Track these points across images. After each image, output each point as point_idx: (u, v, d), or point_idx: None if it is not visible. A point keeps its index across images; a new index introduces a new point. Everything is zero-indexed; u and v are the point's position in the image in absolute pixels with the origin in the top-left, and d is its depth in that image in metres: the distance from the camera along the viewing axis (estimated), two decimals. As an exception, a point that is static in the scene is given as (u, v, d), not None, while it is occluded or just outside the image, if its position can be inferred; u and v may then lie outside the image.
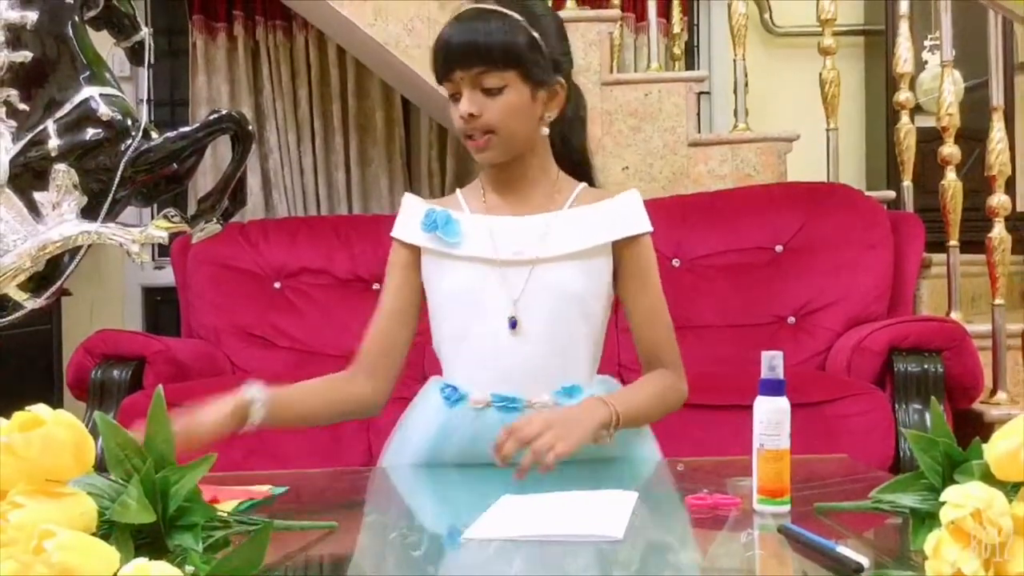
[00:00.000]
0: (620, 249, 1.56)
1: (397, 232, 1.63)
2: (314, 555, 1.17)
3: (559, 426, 1.36)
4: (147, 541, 0.91)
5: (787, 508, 1.19)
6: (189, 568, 0.90)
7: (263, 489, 1.34)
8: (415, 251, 1.60)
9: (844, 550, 0.99)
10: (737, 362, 2.81)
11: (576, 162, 1.64)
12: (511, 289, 1.54)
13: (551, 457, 1.33)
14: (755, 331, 2.99)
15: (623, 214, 1.57)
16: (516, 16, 1.51)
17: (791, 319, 3.05)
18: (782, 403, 1.21)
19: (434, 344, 1.63)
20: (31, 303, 1.72)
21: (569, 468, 1.37)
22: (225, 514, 1.06)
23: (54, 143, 1.77)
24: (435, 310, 1.61)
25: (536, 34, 1.51)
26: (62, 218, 1.71)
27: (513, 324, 1.53)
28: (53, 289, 1.76)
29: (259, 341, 3.25)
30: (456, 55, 1.49)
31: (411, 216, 1.62)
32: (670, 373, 1.57)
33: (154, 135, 1.84)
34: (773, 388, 1.21)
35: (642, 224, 1.57)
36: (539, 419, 1.38)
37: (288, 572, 1.09)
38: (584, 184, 1.63)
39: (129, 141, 1.78)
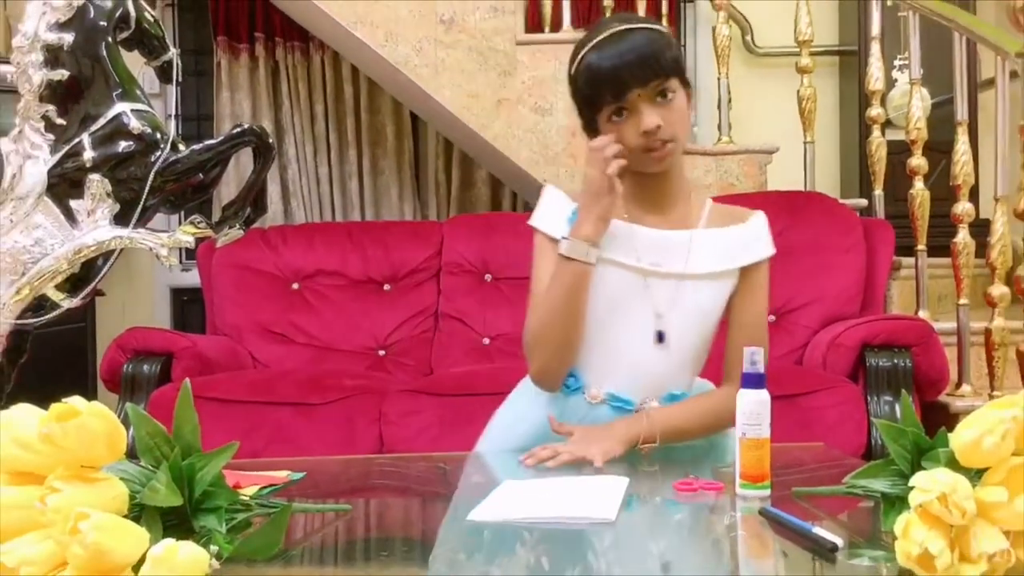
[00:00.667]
0: (745, 270, 1.54)
1: (541, 224, 1.54)
2: (329, 536, 1.17)
3: (589, 438, 1.43)
4: (174, 523, 0.92)
5: (767, 492, 1.19)
6: (213, 548, 0.90)
7: (282, 475, 1.34)
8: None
9: (820, 531, 0.99)
10: (721, 358, 2.81)
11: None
12: (656, 302, 1.50)
13: (553, 463, 1.39)
14: (738, 329, 2.98)
15: (754, 239, 1.55)
16: (656, 26, 1.48)
17: (771, 317, 3.05)
18: (763, 395, 1.21)
19: None
20: (67, 303, 1.71)
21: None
22: (247, 498, 1.06)
23: (89, 155, 1.76)
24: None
25: (674, 40, 1.50)
26: (96, 224, 1.71)
27: (661, 337, 1.50)
28: (88, 290, 1.75)
29: (278, 338, 3.25)
30: (630, 73, 1.42)
31: (557, 210, 1.54)
32: (729, 389, 1.48)
33: (181, 147, 1.84)
34: (755, 381, 1.22)
35: (767, 249, 1.55)
36: (570, 442, 1.43)
37: (305, 552, 1.09)
38: (711, 201, 1.59)
39: (158, 153, 1.78)
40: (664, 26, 1.52)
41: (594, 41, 1.45)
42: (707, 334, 1.54)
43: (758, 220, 1.57)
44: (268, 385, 2.84)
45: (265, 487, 1.25)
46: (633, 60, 1.42)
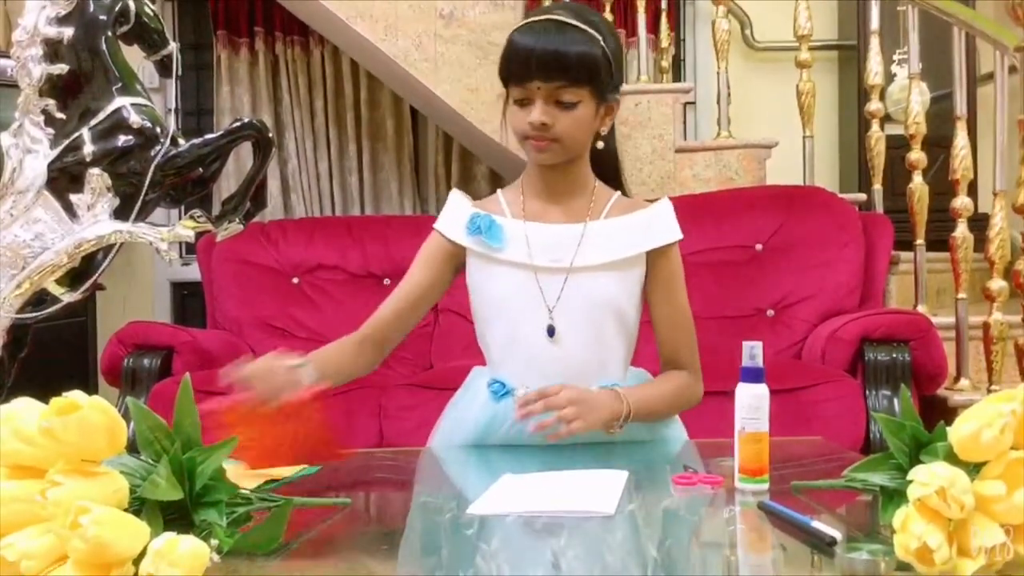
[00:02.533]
0: (652, 257, 1.54)
1: (442, 226, 1.59)
2: (329, 530, 1.17)
3: (582, 405, 1.41)
4: (175, 517, 0.91)
5: (766, 486, 1.19)
6: (214, 542, 0.90)
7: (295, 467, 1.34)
8: (456, 249, 1.57)
9: (819, 525, 0.99)
10: (720, 351, 2.81)
11: (612, 168, 1.60)
12: (548, 296, 1.52)
13: (566, 431, 1.39)
14: (737, 323, 2.99)
15: (656, 224, 1.54)
16: (595, 33, 1.44)
17: (770, 312, 3.05)
18: (761, 389, 1.21)
19: (479, 338, 1.61)
20: (68, 297, 1.71)
21: (606, 447, 1.44)
22: (247, 492, 1.06)
23: (88, 149, 1.76)
24: (481, 311, 1.59)
25: (609, 52, 1.46)
26: (96, 219, 1.71)
27: (551, 332, 1.51)
28: (88, 284, 1.75)
29: (279, 332, 3.25)
30: (538, 66, 1.43)
31: (457, 215, 1.58)
32: (687, 375, 1.56)
33: (181, 142, 1.84)
34: (753, 375, 1.21)
35: (673, 233, 1.54)
36: (567, 393, 1.41)
37: (306, 545, 1.09)
38: (618, 194, 1.59)
39: (158, 147, 1.78)
40: (608, 35, 1.47)
41: (529, 20, 1.48)
42: (608, 322, 1.53)
43: (662, 205, 1.57)
44: (268, 379, 2.83)
45: (267, 482, 1.24)
46: (545, 54, 1.42)
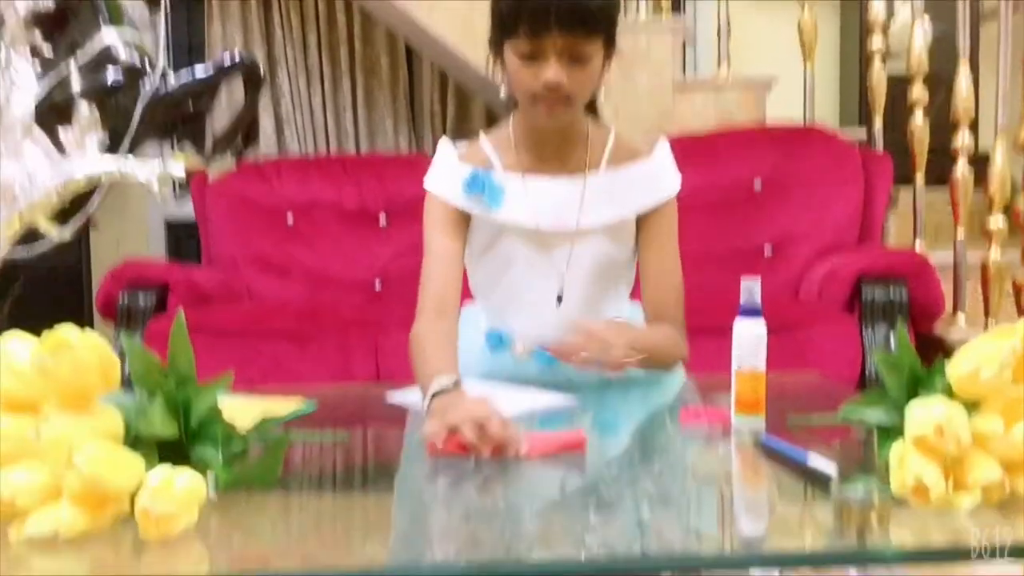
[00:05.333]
0: (648, 212, 1.50)
1: (435, 188, 1.50)
2: (327, 465, 1.17)
3: (603, 347, 1.33)
4: (170, 456, 0.91)
5: (762, 422, 1.20)
6: (210, 477, 0.90)
7: (292, 402, 1.35)
8: (458, 211, 1.48)
9: (815, 460, 0.99)
10: (718, 290, 2.80)
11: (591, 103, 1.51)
12: (556, 263, 1.48)
13: (623, 365, 1.33)
14: (735, 261, 2.98)
15: (656, 176, 1.48)
16: None
17: (768, 250, 3.04)
18: (759, 327, 1.21)
19: (471, 282, 1.57)
20: (58, 234, 1.70)
21: (607, 385, 1.42)
22: (243, 430, 1.06)
23: (76, 85, 1.73)
24: (480, 271, 1.54)
25: (618, 4, 1.39)
26: (85, 155, 1.68)
27: (560, 299, 1.49)
28: (79, 222, 1.74)
29: (275, 270, 3.24)
30: (558, 18, 1.29)
31: (450, 174, 1.49)
32: (675, 330, 1.50)
33: (171, 77, 1.81)
34: (751, 313, 1.21)
35: (672, 185, 1.49)
36: (612, 328, 1.36)
37: (303, 480, 1.10)
38: (613, 135, 1.50)
39: (147, 83, 1.75)
40: None
41: None
42: (611, 280, 1.52)
43: (661, 151, 1.51)
44: (264, 317, 2.85)
45: (265, 419, 1.24)
46: (564, 4, 1.29)
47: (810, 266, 2.91)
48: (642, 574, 0.81)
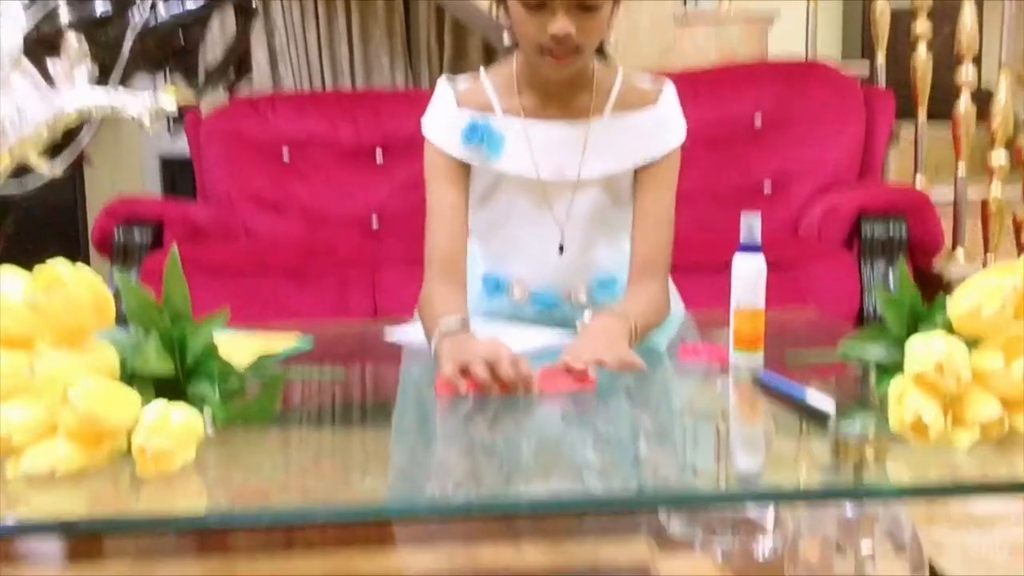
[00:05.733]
0: (649, 163, 1.43)
1: (433, 136, 1.44)
2: (324, 402, 1.17)
3: (609, 348, 1.19)
4: (167, 394, 0.90)
5: (760, 358, 1.19)
6: (207, 413, 0.90)
7: (289, 337, 1.34)
8: (458, 160, 1.43)
9: (813, 397, 0.99)
10: (718, 226, 2.79)
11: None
12: (557, 214, 1.45)
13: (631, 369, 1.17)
14: (734, 198, 2.96)
15: (663, 125, 1.43)
16: None
17: (768, 187, 3.02)
18: (759, 263, 1.20)
19: (471, 225, 1.51)
20: (49, 170, 1.68)
21: None
22: (240, 367, 1.05)
23: (65, 16, 1.69)
24: (480, 218, 1.50)
25: None
26: (75, 88, 1.65)
27: (561, 249, 1.46)
28: (71, 157, 1.71)
29: (271, 207, 3.21)
30: None
31: (448, 122, 1.43)
32: (658, 289, 1.42)
33: (160, 8, 1.77)
34: (751, 249, 1.20)
35: (676, 137, 1.43)
36: (588, 352, 1.18)
37: (302, 417, 1.10)
38: (620, 77, 1.43)
39: (136, 14, 1.71)
40: None
41: None
42: (611, 228, 1.48)
43: (668, 96, 1.44)
44: (261, 254, 2.83)
45: (263, 356, 1.24)
46: None
47: (810, 203, 2.90)
48: (639, 509, 0.81)
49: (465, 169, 1.44)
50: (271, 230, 3.16)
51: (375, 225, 3.21)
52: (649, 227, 1.43)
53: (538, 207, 1.45)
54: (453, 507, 0.80)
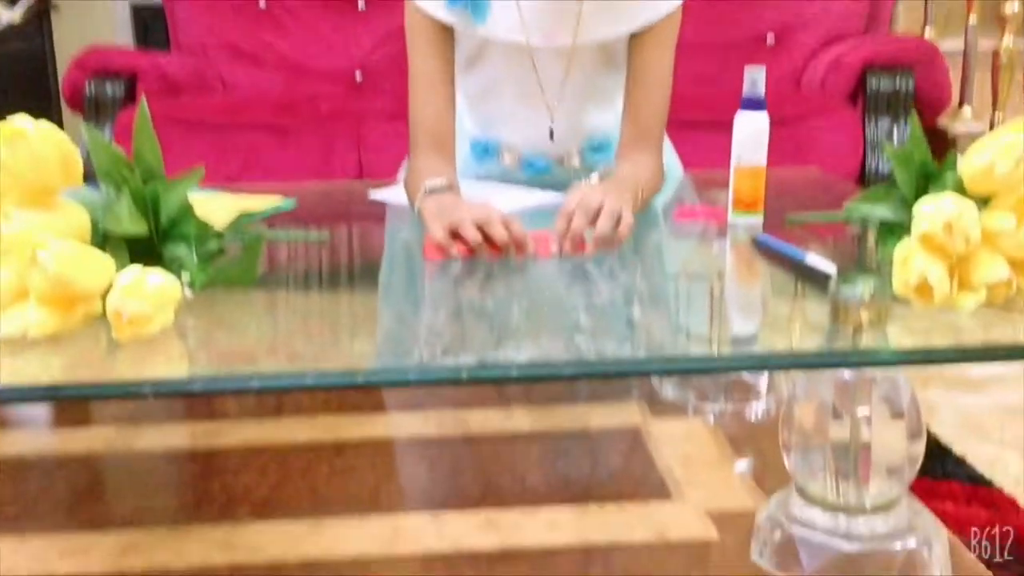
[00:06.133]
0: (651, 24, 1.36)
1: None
2: (309, 264, 1.16)
3: (615, 194, 1.14)
4: (143, 258, 0.88)
5: (760, 219, 1.18)
6: (185, 276, 0.88)
7: (271, 199, 1.31)
8: (439, 21, 1.36)
9: (813, 259, 0.97)
10: (717, 82, 2.73)
11: None
12: (547, 80, 1.39)
13: (625, 227, 1.10)
14: (735, 50, 2.88)
15: None
16: None
17: (770, 38, 2.94)
18: (762, 119, 1.16)
19: (457, 87, 1.45)
20: (7, 16, 1.61)
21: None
22: (219, 227, 1.03)
23: None
24: (463, 82, 1.44)
25: None
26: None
27: (552, 117, 1.42)
28: (29, 1, 1.64)
29: (248, 58, 3.12)
30: None
31: None
32: (652, 159, 1.38)
33: None
34: (754, 104, 1.16)
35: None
36: (593, 190, 1.14)
37: (284, 281, 1.08)
38: None
39: None
40: None
41: None
42: (606, 98, 1.43)
43: None
44: (240, 107, 2.77)
45: (242, 215, 1.21)
46: None
47: (814, 55, 2.83)
48: (631, 374, 0.80)
49: (449, 33, 1.37)
50: (250, 83, 3.08)
51: (359, 79, 3.13)
52: (646, 92, 1.38)
53: (528, 74, 1.40)
54: (442, 372, 0.79)
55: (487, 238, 1.06)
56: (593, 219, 1.09)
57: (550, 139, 1.43)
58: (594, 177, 1.25)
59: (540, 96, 1.41)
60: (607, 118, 1.45)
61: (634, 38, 1.37)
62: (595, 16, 1.35)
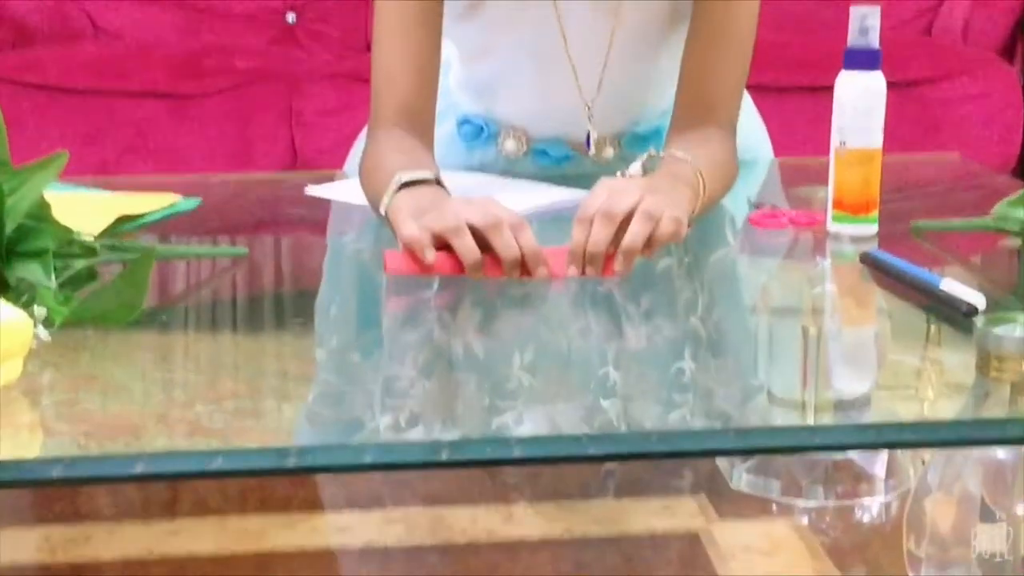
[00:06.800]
0: None
1: None
2: (218, 291, 1.17)
3: (663, 190, 1.15)
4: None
5: (874, 228, 1.19)
6: (40, 311, 0.89)
7: (165, 198, 1.32)
8: None
9: (951, 285, 0.99)
10: (813, 28, 2.75)
11: None
12: (581, 40, 1.41)
13: (669, 232, 1.09)
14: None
15: None
16: None
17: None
18: (875, 81, 1.18)
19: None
20: None
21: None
22: (89, 238, 1.05)
23: None
24: (453, 32, 1.45)
25: None
26: None
27: (588, 141, 1.44)
28: None
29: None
30: None
31: None
32: (726, 142, 1.38)
33: None
34: (864, 60, 1.18)
35: None
36: (629, 185, 1.15)
37: (182, 314, 1.10)
38: None
39: None
40: None
41: None
42: (668, 55, 1.44)
43: None
44: (121, 65, 2.80)
45: (120, 219, 1.22)
46: None
47: (951, -10, 2.86)
48: (687, 455, 0.81)
49: None
50: (133, 29, 3.11)
51: (291, 20, 3.16)
52: (715, 45, 1.39)
53: (550, 26, 1.41)
54: (412, 451, 0.80)
55: (485, 249, 1.06)
56: (625, 225, 1.09)
57: (587, 119, 1.45)
58: (635, 166, 1.25)
59: (566, 58, 1.43)
60: (661, 96, 1.47)
61: None
62: None
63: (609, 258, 1.08)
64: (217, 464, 0.78)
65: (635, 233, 1.07)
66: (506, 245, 1.06)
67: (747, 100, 1.47)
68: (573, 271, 1.09)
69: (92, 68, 2.77)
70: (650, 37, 1.43)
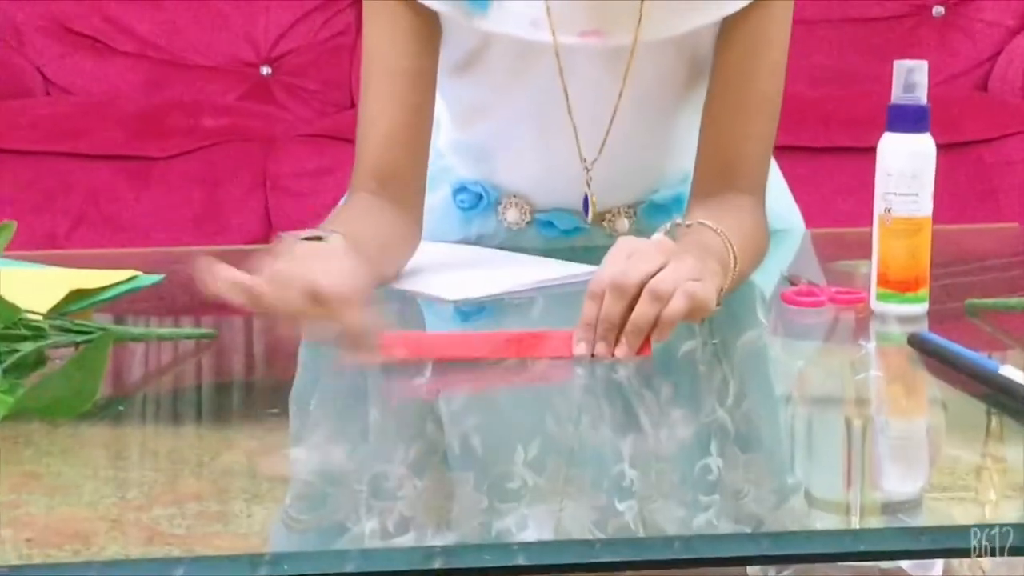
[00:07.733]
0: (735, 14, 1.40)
1: None
2: (182, 378, 1.17)
3: (688, 259, 1.13)
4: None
5: (923, 308, 1.20)
6: (-20, 400, 0.90)
7: (122, 274, 1.33)
8: (428, 12, 1.41)
9: (1011, 372, 0.99)
10: (855, 78, 2.78)
11: None
12: (584, 101, 1.43)
13: (688, 305, 1.07)
14: (883, 28, 2.94)
15: None
16: None
17: (938, 9, 3.00)
18: (923, 143, 1.19)
19: (438, 110, 1.50)
20: None
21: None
22: (37, 317, 1.05)
23: None
24: (451, 89, 1.49)
25: None
26: None
27: (586, 206, 1.46)
28: None
29: (87, 43, 3.19)
30: None
31: None
32: (755, 211, 1.41)
33: None
34: (910, 119, 1.19)
35: None
36: (647, 249, 1.14)
37: (141, 404, 1.10)
38: None
39: None
40: None
41: None
42: (685, 113, 1.48)
43: None
44: (74, 124, 2.82)
45: (73, 293, 1.23)
46: None
47: (1010, 38, 2.89)
48: (714, 564, 0.81)
49: (435, 25, 1.42)
50: (90, 83, 3.15)
51: (266, 73, 3.19)
52: (741, 110, 1.42)
53: (552, 87, 1.44)
54: (401, 558, 0.80)
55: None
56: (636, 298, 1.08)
57: (586, 184, 1.46)
58: (658, 236, 1.24)
59: (567, 119, 1.44)
60: (678, 160, 1.49)
61: (724, 33, 1.41)
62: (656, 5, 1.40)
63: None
64: (179, 574, 0.78)
65: (647, 306, 1.06)
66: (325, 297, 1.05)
67: (772, 165, 1.48)
68: (583, 348, 1.09)
69: (42, 128, 2.80)
70: (664, 98, 1.45)
